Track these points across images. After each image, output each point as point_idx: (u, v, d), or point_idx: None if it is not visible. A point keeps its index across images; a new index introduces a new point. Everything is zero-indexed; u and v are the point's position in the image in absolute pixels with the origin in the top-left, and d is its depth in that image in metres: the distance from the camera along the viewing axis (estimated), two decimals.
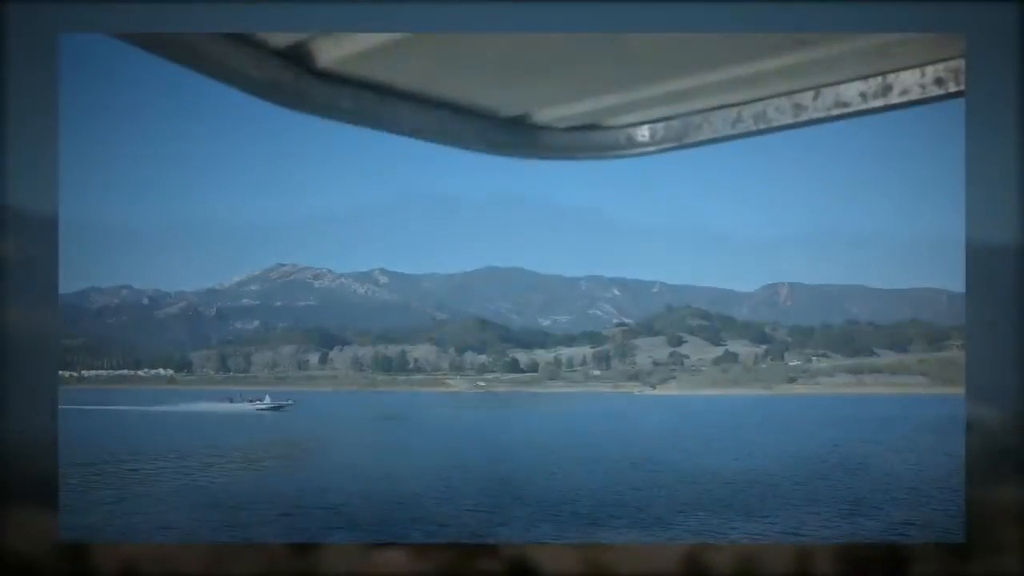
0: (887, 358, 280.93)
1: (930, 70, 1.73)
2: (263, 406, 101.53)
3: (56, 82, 1.75)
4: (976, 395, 1.86)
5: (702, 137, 2.12)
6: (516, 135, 2.18)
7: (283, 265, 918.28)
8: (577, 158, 2.28)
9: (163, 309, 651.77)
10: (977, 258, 1.73)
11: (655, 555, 4.59)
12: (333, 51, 1.78)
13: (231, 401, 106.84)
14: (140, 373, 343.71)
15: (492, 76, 1.91)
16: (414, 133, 1.97)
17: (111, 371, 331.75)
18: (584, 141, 2.25)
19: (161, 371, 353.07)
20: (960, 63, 1.69)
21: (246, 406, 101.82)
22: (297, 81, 1.73)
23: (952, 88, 1.71)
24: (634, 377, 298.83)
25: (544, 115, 2.17)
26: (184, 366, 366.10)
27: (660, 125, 2.19)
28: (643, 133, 2.21)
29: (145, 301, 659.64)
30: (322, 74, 1.79)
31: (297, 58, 1.77)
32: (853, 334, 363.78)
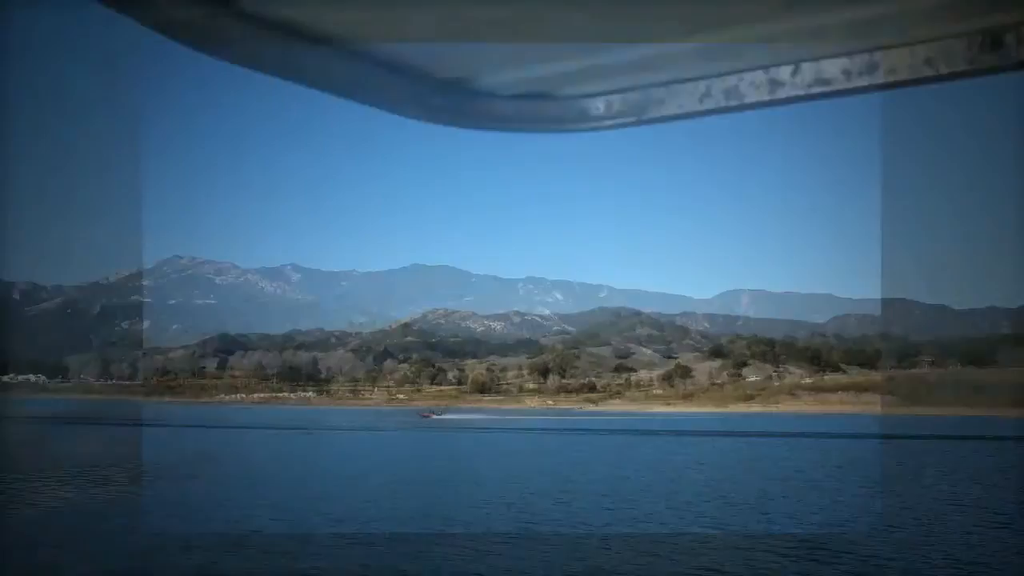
0: (853, 375, 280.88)
1: (921, 49, 1.69)
2: None
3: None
4: None
5: (665, 113, 2.03)
6: (456, 100, 2.09)
7: (180, 258, 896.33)
8: (522, 130, 2.20)
9: (37, 305, 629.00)
10: None
11: None
12: None
13: None
14: (6, 379, 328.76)
15: (431, 31, 1.81)
16: (342, 91, 1.90)
17: None
18: (531, 112, 2.17)
19: (31, 377, 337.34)
20: (954, 43, 1.65)
21: None
22: (214, 21, 1.63)
23: (943, 70, 1.66)
24: (574, 392, 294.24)
25: (488, 80, 2.08)
26: (59, 371, 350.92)
27: (617, 97, 2.11)
28: (598, 106, 2.13)
29: (16, 295, 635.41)
30: (243, 15, 1.68)
31: None
32: (818, 348, 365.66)
